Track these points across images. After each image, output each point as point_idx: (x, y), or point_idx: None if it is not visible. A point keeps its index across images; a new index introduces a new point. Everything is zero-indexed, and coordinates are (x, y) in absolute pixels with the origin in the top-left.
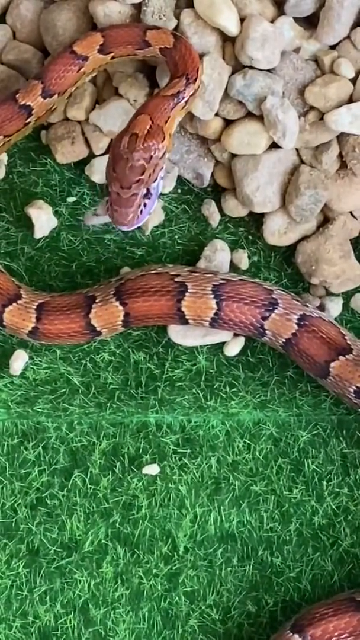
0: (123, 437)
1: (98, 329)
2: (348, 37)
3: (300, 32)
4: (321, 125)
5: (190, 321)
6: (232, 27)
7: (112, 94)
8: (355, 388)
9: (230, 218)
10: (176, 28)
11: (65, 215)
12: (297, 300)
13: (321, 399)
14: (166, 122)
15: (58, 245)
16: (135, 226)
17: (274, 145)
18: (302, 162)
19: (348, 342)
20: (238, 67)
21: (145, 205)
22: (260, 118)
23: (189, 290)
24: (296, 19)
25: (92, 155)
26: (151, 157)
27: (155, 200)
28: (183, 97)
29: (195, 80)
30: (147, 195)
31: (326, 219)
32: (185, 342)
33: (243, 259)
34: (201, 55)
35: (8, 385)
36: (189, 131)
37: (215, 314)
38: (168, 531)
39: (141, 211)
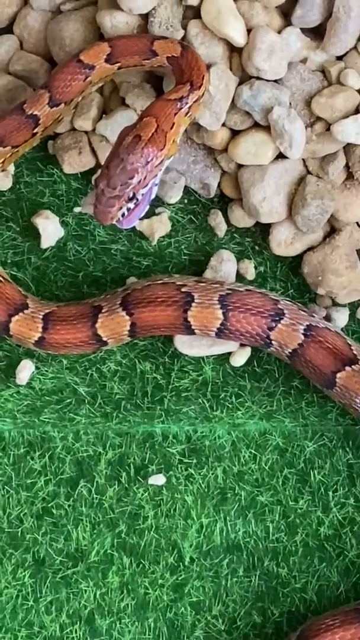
0: (129, 447)
1: (104, 338)
2: (355, 48)
3: (307, 43)
4: (328, 136)
5: (196, 331)
6: (239, 37)
7: (118, 104)
8: None
9: (237, 228)
10: (183, 39)
11: (71, 225)
12: (304, 311)
13: (327, 409)
14: (171, 128)
15: (64, 255)
16: (124, 227)
17: (281, 156)
18: (308, 172)
19: (354, 352)
20: (245, 78)
21: (128, 209)
22: (267, 128)
23: (195, 301)
24: (303, 30)
25: (98, 166)
26: (147, 163)
27: (146, 206)
28: (186, 103)
29: (200, 87)
30: (132, 199)
31: (333, 230)
32: (192, 352)
33: (249, 269)
34: (208, 66)
35: (14, 395)
36: (195, 141)
37: (222, 324)
38: (174, 541)
39: (123, 214)
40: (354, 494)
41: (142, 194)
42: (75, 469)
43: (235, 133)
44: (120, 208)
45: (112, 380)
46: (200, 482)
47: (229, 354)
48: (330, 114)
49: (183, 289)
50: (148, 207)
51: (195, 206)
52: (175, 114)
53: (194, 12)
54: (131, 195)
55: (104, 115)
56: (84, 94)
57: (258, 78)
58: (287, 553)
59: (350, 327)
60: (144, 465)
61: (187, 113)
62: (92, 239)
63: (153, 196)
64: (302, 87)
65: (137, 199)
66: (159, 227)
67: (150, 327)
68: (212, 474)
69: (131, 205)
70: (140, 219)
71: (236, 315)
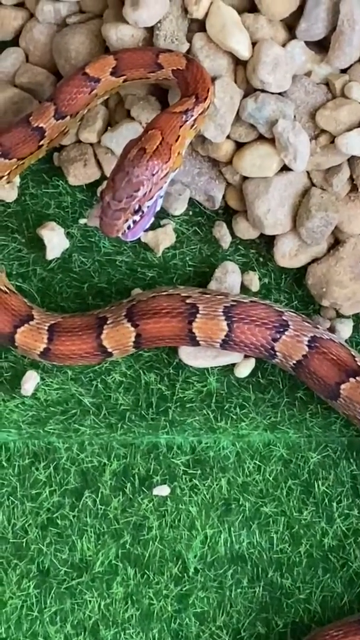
0: (134, 457)
1: (109, 350)
2: (359, 61)
3: (311, 56)
4: (332, 149)
5: (201, 342)
6: (243, 50)
7: (124, 116)
8: None
9: (241, 240)
10: (188, 51)
11: (77, 236)
12: (308, 322)
13: (331, 420)
14: (176, 141)
15: (70, 267)
16: (129, 239)
17: (285, 168)
18: (313, 184)
19: (359, 364)
20: (250, 91)
21: (134, 222)
22: (271, 141)
23: (200, 312)
24: (307, 43)
25: (104, 177)
26: (152, 175)
27: (151, 218)
28: (191, 116)
29: (205, 99)
30: (138, 212)
31: (337, 241)
32: (196, 363)
33: (254, 281)
34: (213, 79)
35: (19, 405)
36: (200, 154)
37: (226, 335)
38: (178, 552)
39: (129, 226)
40: (358, 505)
41: (148, 207)
42: (80, 480)
43: (239, 145)
44: (126, 221)
45: (116, 391)
46: (205, 492)
47: (234, 365)
48: (335, 127)
49: (188, 301)
50: (153, 219)
51: (200, 218)
52: (181, 126)
53: (199, 25)
54: (137, 207)
55: (109, 128)
56: (89, 106)
57: (263, 91)
58: (291, 564)
59: (354, 339)
60: (149, 476)
61: (192, 126)
62: (97, 250)
63: (158, 208)
64: (307, 99)
65: (143, 212)
66: (164, 238)
67: (155, 339)
68: (217, 484)
69: (137, 217)
70: (144, 231)
71: (241, 327)
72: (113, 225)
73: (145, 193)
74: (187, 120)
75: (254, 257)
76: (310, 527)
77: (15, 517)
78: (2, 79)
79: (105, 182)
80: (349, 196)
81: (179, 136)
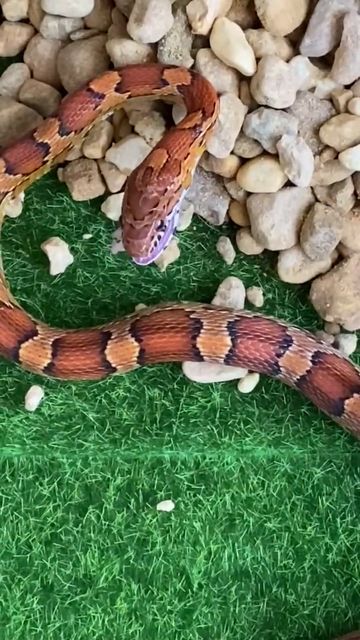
0: (138, 473)
1: (113, 365)
2: None
3: (315, 72)
4: (336, 164)
5: (205, 358)
6: (247, 66)
7: (128, 132)
8: None
9: (245, 255)
10: (192, 67)
11: (81, 252)
12: (312, 338)
13: (335, 436)
14: (185, 158)
15: (74, 282)
16: (151, 259)
17: (289, 184)
18: (316, 200)
19: None
20: (254, 106)
21: (159, 237)
22: (275, 157)
23: (204, 327)
24: (311, 59)
25: (108, 193)
26: (166, 190)
27: (171, 234)
28: (200, 131)
29: (212, 113)
30: (161, 227)
31: (341, 257)
32: (200, 378)
33: (258, 296)
34: (218, 94)
35: (23, 421)
36: (204, 169)
37: (230, 350)
38: (182, 567)
39: (155, 243)
40: None
41: (169, 221)
42: (83, 495)
43: (243, 161)
44: (152, 238)
45: (120, 407)
46: (209, 508)
47: (238, 380)
48: (339, 142)
49: (192, 316)
50: (171, 236)
51: (203, 233)
52: (191, 143)
53: (203, 41)
54: (159, 223)
55: (113, 143)
56: (94, 122)
57: (267, 106)
58: (295, 579)
59: (358, 354)
60: (153, 491)
61: (201, 142)
62: (101, 265)
63: (176, 224)
64: (311, 115)
65: (165, 226)
66: (168, 254)
67: (159, 354)
68: (221, 500)
69: (161, 233)
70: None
71: (244, 342)
72: (141, 245)
73: (164, 206)
74: (196, 137)
75: (258, 272)
76: (314, 542)
77: (19, 532)
78: (7, 95)
79: (121, 208)
80: (352, 212)
81: (188, 153)
